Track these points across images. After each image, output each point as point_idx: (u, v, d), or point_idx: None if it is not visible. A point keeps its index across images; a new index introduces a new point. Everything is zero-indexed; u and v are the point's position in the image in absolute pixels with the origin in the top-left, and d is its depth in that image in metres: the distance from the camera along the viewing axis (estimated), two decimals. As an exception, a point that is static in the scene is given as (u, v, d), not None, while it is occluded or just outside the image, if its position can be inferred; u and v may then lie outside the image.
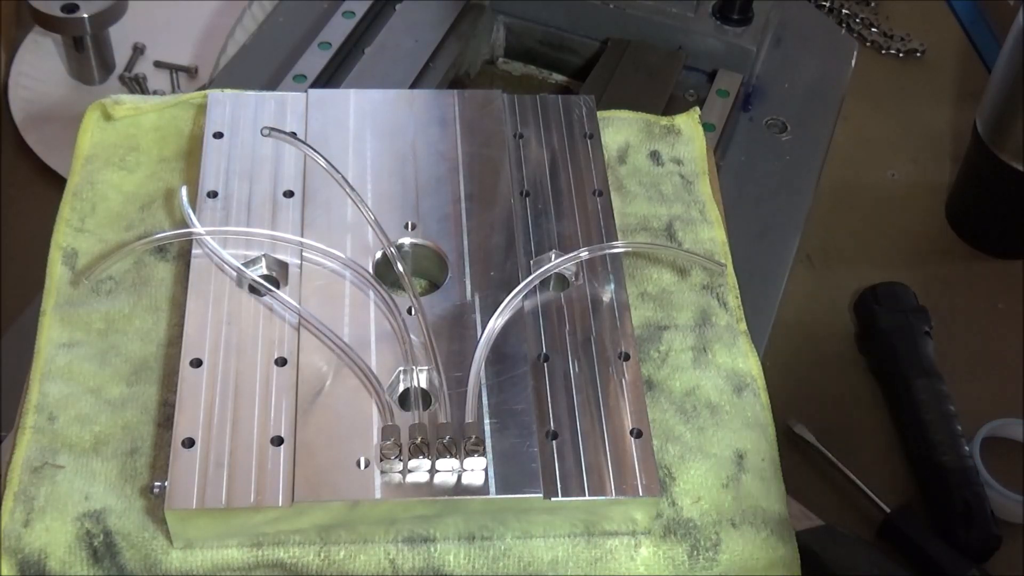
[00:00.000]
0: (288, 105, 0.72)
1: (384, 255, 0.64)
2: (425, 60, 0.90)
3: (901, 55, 1.17)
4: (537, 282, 0.64)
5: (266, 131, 0.66)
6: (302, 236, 0.65)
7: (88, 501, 0.57)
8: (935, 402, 0.85)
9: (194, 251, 0.64)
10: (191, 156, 0.72)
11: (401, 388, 0.60)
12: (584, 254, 0.66)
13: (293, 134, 0.69)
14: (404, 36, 0.91)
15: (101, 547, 0.56)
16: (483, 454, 0.56)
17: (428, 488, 0.56)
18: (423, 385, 0.60)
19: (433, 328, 0.61)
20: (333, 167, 0.65)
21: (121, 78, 1.06)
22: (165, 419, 0.60)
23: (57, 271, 0.66)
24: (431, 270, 0.67)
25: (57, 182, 0.91)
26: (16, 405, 0.62)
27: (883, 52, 1.18)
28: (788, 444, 0.82)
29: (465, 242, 0.66)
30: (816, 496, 0.80)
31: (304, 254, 0.64)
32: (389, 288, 0.63)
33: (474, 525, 0.58)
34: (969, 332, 0.94)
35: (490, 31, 0.98)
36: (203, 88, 0.85)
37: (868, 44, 1.18)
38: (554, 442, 0.58)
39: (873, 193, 1.05)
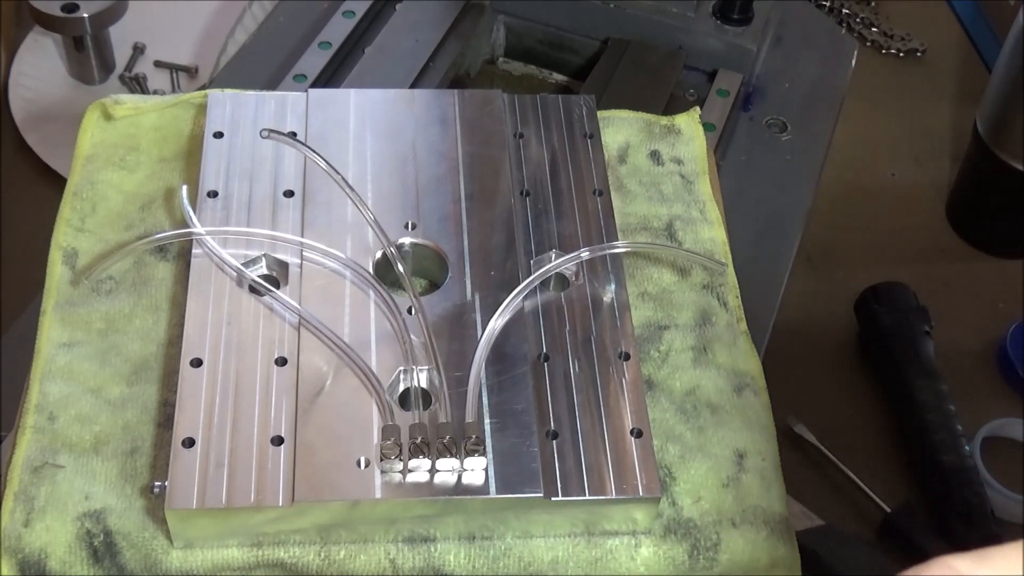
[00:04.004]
0: (288, 105, 0.72)
1: (384, 255, 0.64)
2: (425, 60, 0.90)
3: (901, 55, 1.17)
4: (538, 282, 0.64)
5: (265, 133, 0.66)
6: (302, 236, 0.65)
7: (88, 501, 0.57)
8: (935, 402, 0.85)
9: (194, 251, 0.64)
10: (191, 156, 0.72)
11: (401, 388, 0.60)
12: (585, 254, 0.66)
13: (293, 134, 0.69)
14: (404, 36, 0.91)
15: (101, 547, 0.56)
16: (483, 454, 0.56)
17: (428, 488, 0.56)
18: (423, 385, 0.60)
19: (433, 328, 0.61)
20: (333, 168, 0.65)
21: (121, 78, 1.06)
22: (165, 419, 0.60)
23: (57, 271, 0.66)
24: (431, 270, 0.67)
25: (57, 182, 0.91)
26: (16, 405, 0.62)
27: (883, 52, 1.18)
28: (788, 444, 0.82)
29: (465, 242, 0.66)
30: (816, 496, 0.80)
31: (304, 254, 0.64)
32: (389, 288, 0.63)
33: (474, 525, 0.58)
34: (969, 332, 0.94)
35: (490, 31, 0.98)
36: (203, 88, 0.85)
37: (868, 44, 1.18)
38: (554, 442, 0.58)
39: (873, 193, 1.05)
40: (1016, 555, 0.35)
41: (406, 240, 0.66)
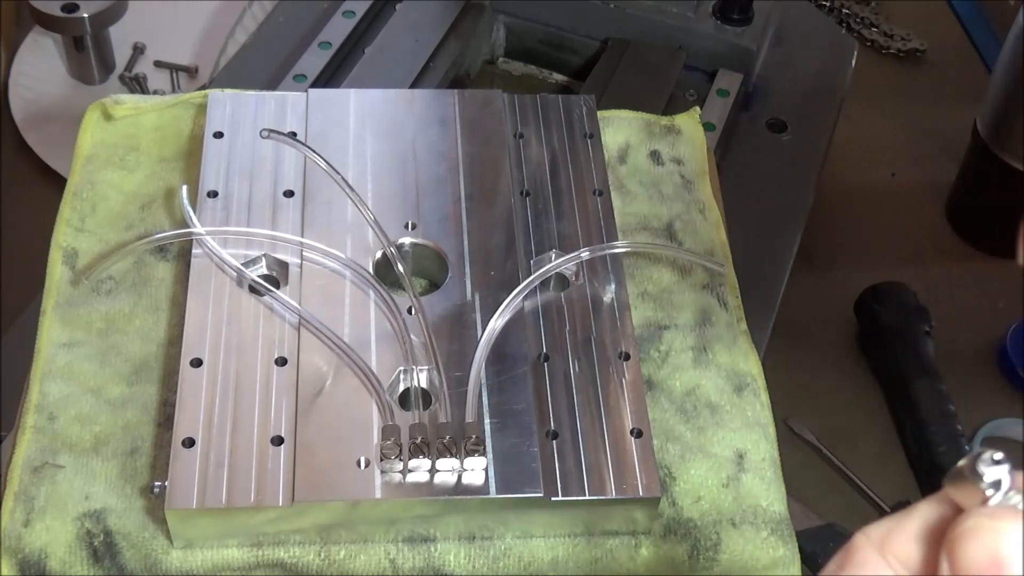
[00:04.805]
0: (288, 105, 0.72)
1: (384, 255, 0.64)
2: (425, 60, 0.90)
3: (901, 55, 1.17)
4: (537, 282, 0.64)
5: (265, 133, 0.66)
6: (302, 236, 0.65)
7: (88, 501, 0.57)
8: (935, 402, 0.85)
9: (194, 251, 0.64)
10: (191, 156, 0.72)
11: (401, 388, 0.60)
12: (585, 254, 0.66)
13: (293, 134, 0.69)
14: (404, 36, 0.91)
15: (101, 547, 0.56)
16: (483, 454, 0.56)
17: (428, 488, 0.56)
18: (423, 385, 0.60)
19: (433, 328, 0.61)
20: (333, 168, 0.65)
21: (121, 78, 1.06)
22: (165, 419, 0.60)
23: (57, 271, 0.66)
24: (431, 270, 0.67)
25: (57, 182, 0.90)
26: (16, 405, 0.62)
27: (883, 52, 1.18)
28: (788, 444, 0.82)
29: (465, 242, 0.66)
30: (816, 496, 0.80)
31: (304, 254, 0.64)
32: (389, 288, 0.63)
33: (474, 525, 0.58)
34: (969, 332, 0.94)
35: (490, 31, 0.98)
36: (203, 88, 0.85)
37: (868, 44, 1.18)
38: (554, 442, 0.58)
39: (873, 193, 1.05)
40: (927, 510, 0.33)
41: (406, 240, 0.66)
